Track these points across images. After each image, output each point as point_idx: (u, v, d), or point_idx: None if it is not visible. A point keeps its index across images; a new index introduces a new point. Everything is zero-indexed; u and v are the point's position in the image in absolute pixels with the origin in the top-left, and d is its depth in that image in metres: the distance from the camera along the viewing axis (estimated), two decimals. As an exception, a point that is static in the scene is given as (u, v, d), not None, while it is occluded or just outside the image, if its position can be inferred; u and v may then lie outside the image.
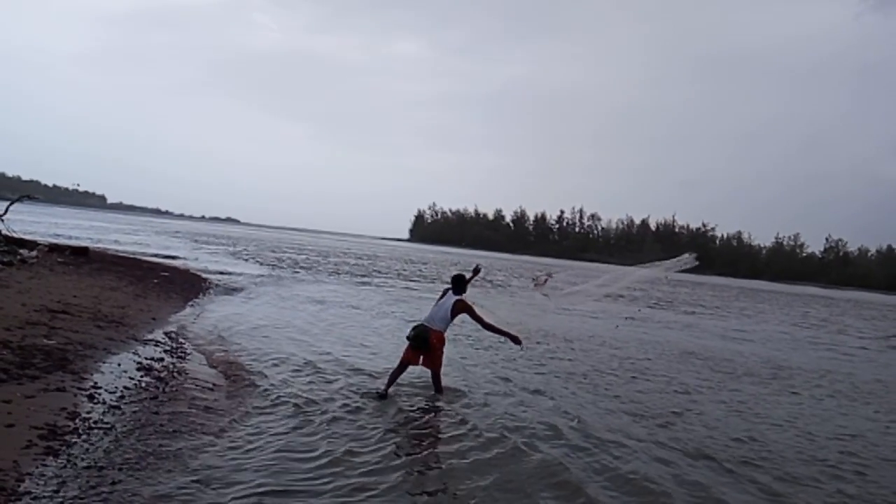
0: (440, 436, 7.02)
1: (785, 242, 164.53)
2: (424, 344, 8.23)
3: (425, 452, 6.43)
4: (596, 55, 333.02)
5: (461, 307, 8.32)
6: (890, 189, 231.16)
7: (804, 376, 13.46)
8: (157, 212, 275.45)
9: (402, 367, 8.46)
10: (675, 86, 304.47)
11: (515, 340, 8.39)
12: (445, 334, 8.42)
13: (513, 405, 8.41)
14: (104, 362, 8.04)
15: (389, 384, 8.37)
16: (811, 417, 9.53)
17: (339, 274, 32.44)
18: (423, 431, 7.12)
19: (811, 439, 8.22)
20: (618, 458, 6.59)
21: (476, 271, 9.23)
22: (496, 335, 8.66)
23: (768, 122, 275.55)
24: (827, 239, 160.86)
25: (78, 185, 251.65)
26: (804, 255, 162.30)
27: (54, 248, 20.47)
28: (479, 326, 8.40)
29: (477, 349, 12.57)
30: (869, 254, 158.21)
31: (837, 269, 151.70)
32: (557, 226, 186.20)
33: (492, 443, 6.72)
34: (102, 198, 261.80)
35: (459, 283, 8.52)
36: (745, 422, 8.81)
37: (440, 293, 8.71)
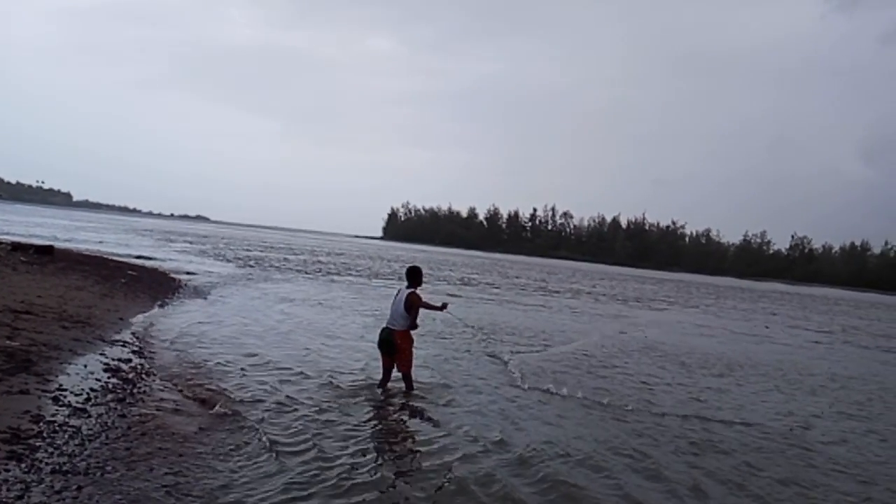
0: (403, 436, 6.95)
1: (752, 240, 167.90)
2: (391, 347, 8.18)
3: (380, 452, 6.30)
4: (568, 54, 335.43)
5: (412, 299, 8.15)
6: (853, 188, 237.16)
7: (759, 369, 13.81)
8: (125, 210, 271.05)
9: (386, 372, 8.45)
10: (649, 86, 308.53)
11: (442, 307, 8.33)
12: (412, 331, 8.30)
13: (484, 404, 8.40)
14: (70, 364, 7.83)
15: (381, 390, 8.39)
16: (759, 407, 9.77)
17: (309, 272, 32.18)
18: (385, 431, 7.04)
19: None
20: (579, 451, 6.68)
21: (444, 307, 8.48)
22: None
23: (738, 122, 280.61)
24: (793, 236, 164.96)
25: (42, 182, 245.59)
26: (771, 252, 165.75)
27: (17, 247, 19.96)
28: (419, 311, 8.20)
29: (450, 347, 12.55)
30: (833, 251, 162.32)
31: (802, 265, 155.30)
32: (530, 224, 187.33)
33: (455, 443, 6.67)
34: (68, 195, 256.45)
35: (413, 276, 8.37)
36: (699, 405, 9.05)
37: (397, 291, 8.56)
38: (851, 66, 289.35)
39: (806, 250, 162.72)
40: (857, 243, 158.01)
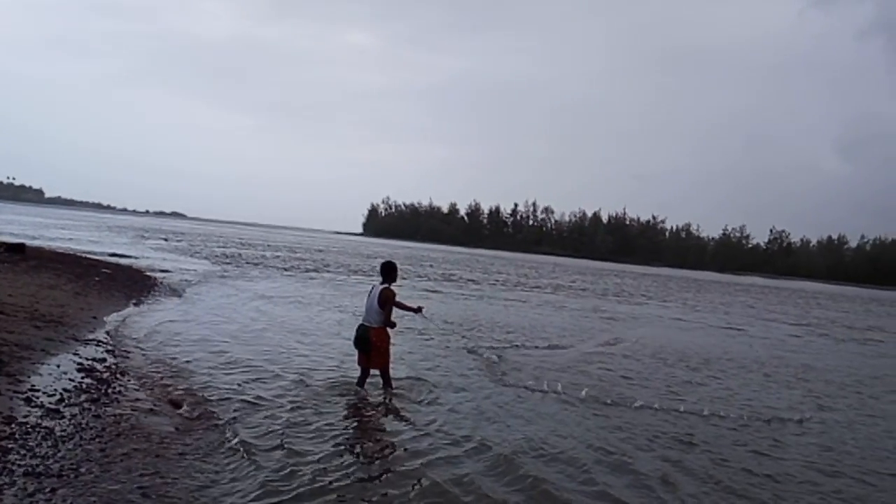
0: (377, 435, 6.90)
1: (732, 234, 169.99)
2: (366, 344, 8.08)
3: (353, 452, 6.23)
4: (547, 49, 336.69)
5: (386, 295, 8.03)
6: (831, 183, 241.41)
7: (736, 362, 14.05)
8: (99, 206, 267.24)
9: (363, 370, 8.37)
10: (627, 81, 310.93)
11: (417, 310, 8.40)
12: (389, 329, 8.16)
13: (462, 401, 8.40)
14: (42, 364, 7.70)
15: (360, 387, 8.33)
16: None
17: (287, 269, 31.97)
18: (360, 430, 7.00)
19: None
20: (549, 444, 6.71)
21: (418, 310, 8.53)
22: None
23: (717, 118, 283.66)
24: (771, 230, 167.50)
25: (13, 178, 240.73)
26: (750, 246, 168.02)
27: (-12, 245, 19.54)
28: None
29: (429, 344, 12.54)
30: (811, 245, 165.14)
31: (781, 259, 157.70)
32: (512, 219, 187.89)
33: (430, 441, 6.63)
34: (40, 192, 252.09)
35: (388, 272, 8.21)
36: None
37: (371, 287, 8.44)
38: (829, 62, 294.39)
39: (784, 244, 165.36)
40: (835, 237, 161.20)
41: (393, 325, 8.26)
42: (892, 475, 6.99)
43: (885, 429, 9.13)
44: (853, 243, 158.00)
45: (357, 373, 8.52)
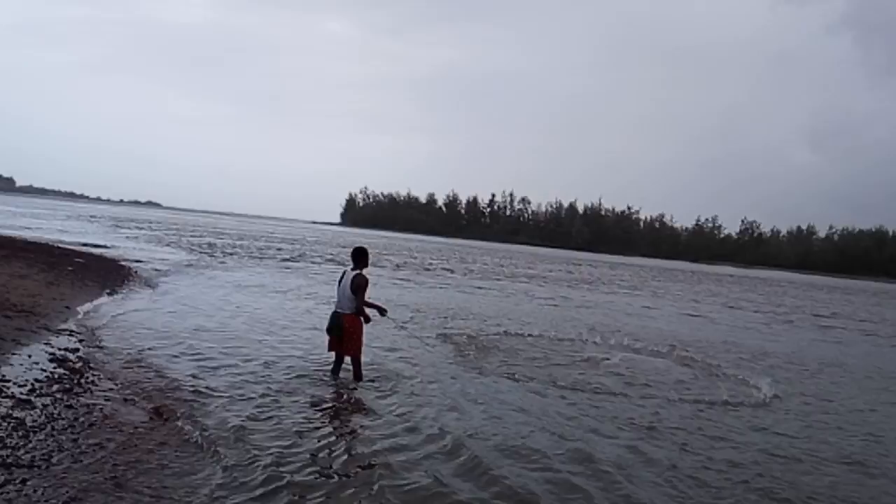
0: (339, 426, 6.83)
1: (704, 225, 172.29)
2: (339, 331, 8.08)
3: (315, 445, 6.18)
4: (526, 41, 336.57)
5: (358, 282, 8.01)
6: (800, 173, 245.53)
7: (697, 348, 14.47)
8: (72, 195, 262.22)
9: (337, 358, 8.38)
10: (605, 74, 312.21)
11: (381, 311, 8.47)
12: (362, 317, 8.17)
13: (430, 390, 8.44)
14: (13, 354, 7.67)
15: (333, 378, 8.33)
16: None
17: (263, 259, 31.82)
18: (324, 421, 6.93)
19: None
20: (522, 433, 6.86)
21: (383, 311, 8.62)
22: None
23: (690, 109, 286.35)
24: (743, 221, 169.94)
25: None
26: (722, 236, 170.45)
27: (-44, 235, 19.21)
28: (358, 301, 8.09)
29: (401, 333, 12.64)
30: (780, 235, 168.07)
31: (752, 249, 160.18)
32: (489, 210, 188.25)
33: (393, 433, 6.65)
34: (10, 181, 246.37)
35: (359, 257, 8.20)
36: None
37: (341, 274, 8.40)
38: (799, 56, 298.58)
39: (755, 234, 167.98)
40: (804, 228, 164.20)
41: (368, 320, 8.28)
42: (834, 461, 7.14)
43: (837, 414, 9.38)
44: (822, 233, 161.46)
45: (330, 360, 8.54)
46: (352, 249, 8.44)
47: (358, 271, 8.12)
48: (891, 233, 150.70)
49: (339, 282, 8.23)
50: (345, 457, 5.94)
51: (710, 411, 8.74)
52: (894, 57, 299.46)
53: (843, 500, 5.99)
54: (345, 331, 8.07)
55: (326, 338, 8.42)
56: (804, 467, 6.78)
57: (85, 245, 27.35)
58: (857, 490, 6.29)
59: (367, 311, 8.32)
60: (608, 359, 11.98)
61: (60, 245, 24.94)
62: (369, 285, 8.22)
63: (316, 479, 5.36)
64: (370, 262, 8.77)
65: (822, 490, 6.14)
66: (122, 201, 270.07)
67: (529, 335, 13.98)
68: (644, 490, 5.71)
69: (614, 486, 5.71)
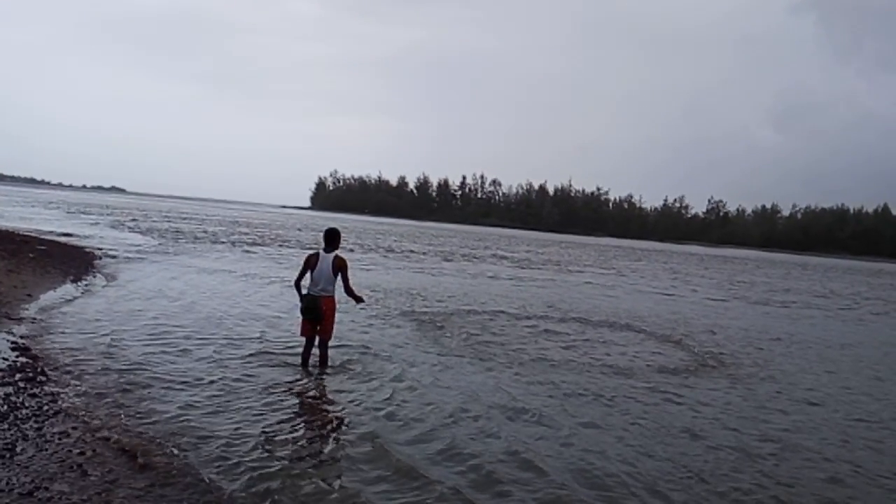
0: (300, 412, 6.84)
1: (672, 205, 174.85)
2: (317, 314, 8.00)
3: (272, 429, 6.13)
4: (494, 21, 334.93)
5: (339, 263, 8.02)
6: (764, 153, 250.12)
7: (653, 323, 14.99)
8: (32, 181, 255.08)
9: (308, 343, 8.28)
10: (571, 54, 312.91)
11: (359, 300, 8.48)
12: (354, 298, 8.21)
13: (395, 372, 8.50)
14: (-27, 345, 7.64)
15: (304, 364, 8.22)
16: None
17: (229, 244, 31.56)
18: (286, 406, 6.88)
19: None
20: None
21: (359, 299, 8.56)
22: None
23: (655, 89, 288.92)
24: (709, 200, 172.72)
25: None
26: (689, 216, 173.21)
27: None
28: (343, 287, 8.10)
29: (368, 315, 12.79)
30: (746, 214, 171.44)
31: (718, 228, 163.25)
32: (460, 192, 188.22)
33: (355, 415, 6.73)
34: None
35: (331, 239, 8.19)
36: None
37: (305, 257, 8.32)
38: (763, 36, 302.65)
39: (721, 214, 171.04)
40: (768, 206, 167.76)
41: (360, 300, 8.46)
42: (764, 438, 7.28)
43: (779, 388, 9.60)
44: (786, 212, 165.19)
45: (297, 343, 8.57)
46: (324, 231, 8.40)
47: (336, 253, 8.11)
48: (852, 210, 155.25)
49: (311, 265, 8.10)
50: (303, 442, 5.97)
51: (668, 382, 9.12)
52: (857, 36, 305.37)
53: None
54: (324, 314, 8.00)
55: (300, 321, 8.27)
56: (747, 424, 7.10)
57: (48, 232, 26.85)
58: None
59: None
60: (570, 334, 12.38)
61: (22, 232, 24.47)
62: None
63: (268, 460, 5.34)
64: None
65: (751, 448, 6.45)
66: (84, 187, 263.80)
67: (494, 312, 14.30)
68: (596, 458, 5.92)
69: (568, 458, 5.91)
